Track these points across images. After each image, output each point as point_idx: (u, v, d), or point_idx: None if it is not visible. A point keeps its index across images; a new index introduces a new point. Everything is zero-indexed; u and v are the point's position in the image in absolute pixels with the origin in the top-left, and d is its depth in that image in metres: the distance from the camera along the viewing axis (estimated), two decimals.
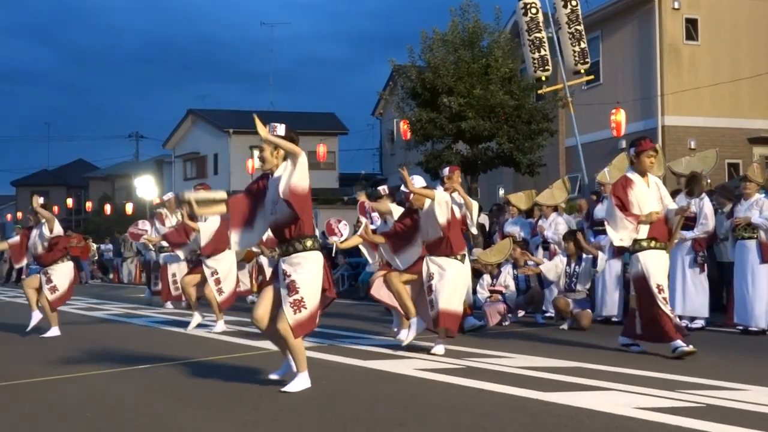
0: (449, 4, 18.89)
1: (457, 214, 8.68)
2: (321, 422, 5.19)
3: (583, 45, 8.99)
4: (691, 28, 21.33)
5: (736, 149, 20.80)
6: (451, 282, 8.17)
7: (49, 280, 10.47)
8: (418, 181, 8.51)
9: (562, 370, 6.80)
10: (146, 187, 35.33)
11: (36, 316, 10.63)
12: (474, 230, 9.56)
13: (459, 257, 8.34)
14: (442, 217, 8.20)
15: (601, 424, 4.89)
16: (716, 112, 21.06)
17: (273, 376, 6.23)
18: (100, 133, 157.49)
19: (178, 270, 13.64)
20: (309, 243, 6.05)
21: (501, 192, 25.17)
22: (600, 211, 11.17)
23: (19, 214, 51.01)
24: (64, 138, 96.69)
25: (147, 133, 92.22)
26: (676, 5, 20.98)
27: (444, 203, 8.27)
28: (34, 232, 10.65)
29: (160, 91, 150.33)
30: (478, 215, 9.62)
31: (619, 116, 18.70)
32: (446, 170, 9.28)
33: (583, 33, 8.90)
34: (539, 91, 18.02)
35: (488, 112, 17.48)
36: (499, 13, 19.02)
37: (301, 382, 6.07)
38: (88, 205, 45.29)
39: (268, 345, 8.48)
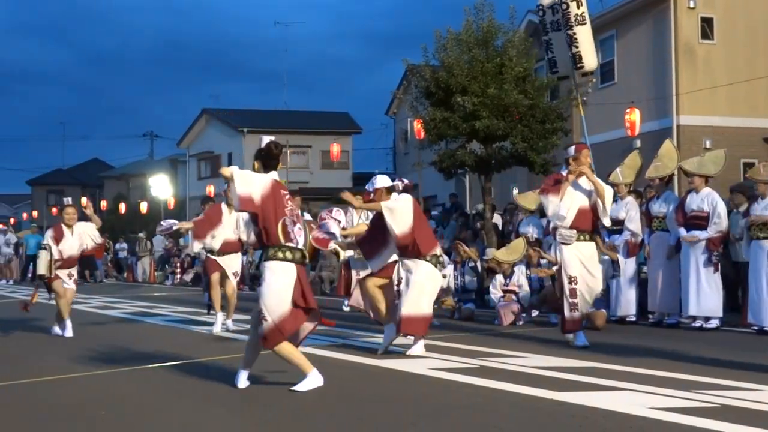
0: (463, 3, 18.79)
1: (585, 203, 8.42)
2: (334, 421, 5.20)
3: (575, 50, 8.98)
4: (707, 27, 21.20)
5: (753, 149, 20.67)
6: (417, 285, 7.85)
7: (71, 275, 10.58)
8: (382, 181, 8.06)
9: (576, 370, 6.79)
10: (161, 186, 35.45)
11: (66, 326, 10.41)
12: (606, 221, 8.70)
13: (429, 258, 7.92)
14: (397, 227, 7.69)
15: (616, 423, 4.88)
16: (731, 111, 20.94)
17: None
18: (114, 133, 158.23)
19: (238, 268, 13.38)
20: (270, 252, 5.95)
21: (515, 191, 25.12)
22: (614, 210, 11.14)
23: (35, 213, 51.31)
24: (79, 137, 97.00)
25: (161, 132, 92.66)
26: (692, 4, 20.86)
27: (395, 210, 7.71)
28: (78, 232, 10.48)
29: (175, 91, 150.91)
30: (612, 202, 8.77)
31: (634, 116, 18.61)
32: (571, 150, 8.63)
33: (576, 37, 8.88)
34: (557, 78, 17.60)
35: (502, 112, 17.41)
36: (513, 13, 18.95)
37: (308, 383, 6.02)
38: (103, 204, 45.44)
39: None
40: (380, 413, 5.43)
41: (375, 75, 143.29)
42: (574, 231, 8.38)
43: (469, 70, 17.55)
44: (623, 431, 4.74)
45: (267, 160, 6.17)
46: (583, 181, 8.46)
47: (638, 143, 20.56)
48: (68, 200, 11.12)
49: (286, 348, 5.98)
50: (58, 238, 10.29)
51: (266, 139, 6.25)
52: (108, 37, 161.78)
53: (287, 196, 6.09)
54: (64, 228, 10.38)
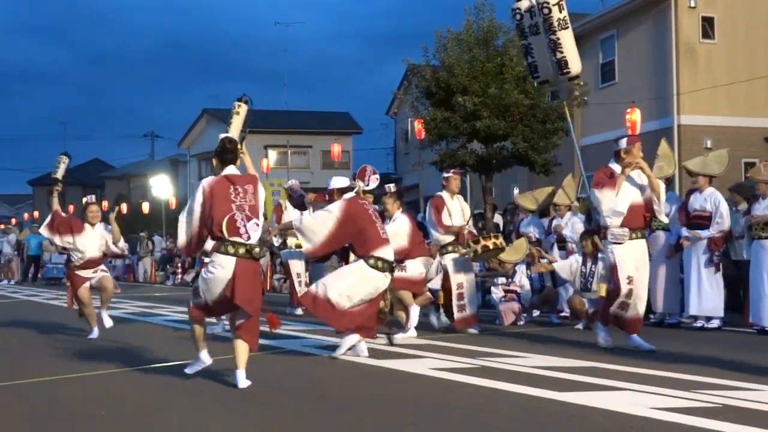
0: (463, 3, 18.81)
1: (637, 198, 8.07)
2: (334, 421, 5.20)
3: (559, 55, 8.93)
4: (708, 26, 21.20)
5: (753, 148, 20.66)
6: (337, 273, 7.93)
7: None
8: (335, 182, 8.11)
9: (577, 370, 6.78)
10: (161, 186, 35.44)
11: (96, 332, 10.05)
12: (663, 218, 8.60)
13: (364, 259, 7.69)
14: (305, 246, 7.81)
15: (616, 424, 4.87)
16: (732, 111, 20.93)
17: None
18: (115, 133, 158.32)
19: (302, 268, 13.03)
20: (215, 245, 6.23)
21: (516, 191, 25.13)
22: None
23: (36, 213, 51.30)
24: (80, 137, 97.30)
25: (162, 132, 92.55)
26: (692, 4, 20.87)
27: (301, 229, 7.72)
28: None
29: (175, 91, 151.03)
30: (665, 196, 8.51)
31: (634, 115, 18.61)
32: (623, 142, 8.23)
33: (560, 42, 8.85)
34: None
35: (503, 112, 17.44)
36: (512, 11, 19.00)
37: (196, 365, 6.58)
38: (104, 204, 45.43)
39: (282, 344, 8.50)
40: (380, 413, 5.42)
41: (375, 75, 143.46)
42: (627, 229, 8.00)
43: (469, 70, 17.57)
44: (624, 431, 4.74)
45: (222, 155, 6.48)
46: (634, 175, 8.07)
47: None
48: (91, 198, 10.78)
49: (195, 328, 6.50)
50: (75, 231, 9.92)
51: (221, 135, 6.70)
52: (109, 37, 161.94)
53: (238, 191, 6.24)
54: (86, 225, 10.08)
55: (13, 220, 43.69)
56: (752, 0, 21.60)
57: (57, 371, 7.26)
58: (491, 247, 9.76)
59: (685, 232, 10.30)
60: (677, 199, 11.10)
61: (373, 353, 8.02)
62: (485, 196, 18.20)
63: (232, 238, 6.11)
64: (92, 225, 10.13)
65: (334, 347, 8.42)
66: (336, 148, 32.29)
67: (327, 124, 42.38)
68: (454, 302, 9.92)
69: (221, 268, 6.11)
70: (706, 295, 10.09)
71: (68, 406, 5.88)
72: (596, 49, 23.51)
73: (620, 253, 8.02)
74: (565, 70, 9.75)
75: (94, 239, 10.08)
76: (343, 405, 5.69)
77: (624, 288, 7.98)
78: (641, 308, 8.19)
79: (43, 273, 27.32)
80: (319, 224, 7.65)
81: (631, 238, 8.03)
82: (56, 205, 10.43)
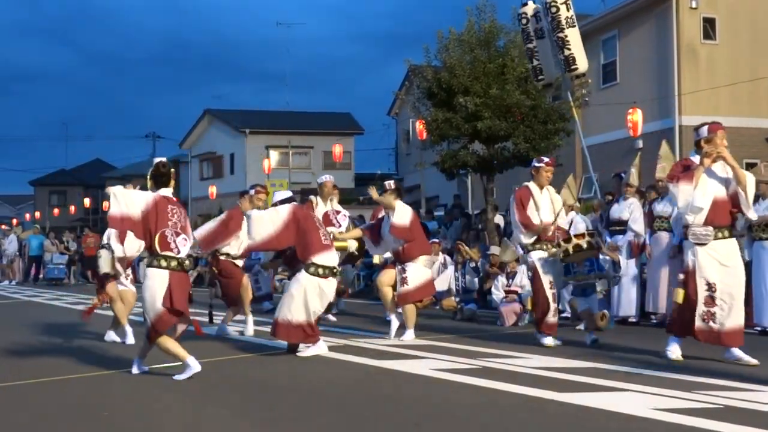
0: (465, 3, 18.78)
1: (721, 193, 7.16)
2: (336, 421, 5.20)
3: (567, 52, 8.90)
4: (709, 27, 21.19)
5: (755, 149, 20.64)
6: (287, 295, 8.03)
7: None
8: (280, 195, 8.41)
9: (578, 371, 6.78)
10: None
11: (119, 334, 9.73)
12: (752, 214, 7.35)
13: (304, 267, 7.96)
14: (251, 237, 8.00)
15: (617, 424, 4.88)
16: (734, 111, 20.90)
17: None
18: (117, 133, 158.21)
19: None
20: (149, 260, 6.79)
21: None
22: (617, 211, 11.14)
23: (38, 214, 51.34)
24: (82, 138, 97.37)
25: (164, 133, 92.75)
26: (694, 4, 20.85)
27: (250, 223, 7.94)
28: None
29: (177, 91, 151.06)
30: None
31: (636, 116, 18.59)
32: (704, 130, 7.30)
33: (568, 39, 8.85)
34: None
35: (504, 112, 17.41)
36: (515, 13, 18.98)
37: (187, 371, 6.73)
38: (105, 204, 45.32)
39: (282, 344, 8.51)
40: (382, 414, 5.43)
41: (377, 76, 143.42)
42: (711, 228, 7.10)
43: (471, 71, 17.54)
44: None
45: (157, 178, 7.02)
46: (718, 168, 7.20)
47: (640, 144, 20.55)
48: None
49: (163, 341, 6.76)
50: (121, 240, 9.19)
51: (156, 160, 7.15)
52: (111, 38, 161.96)
53: (174, 210, 6.87)
54: None
55: (15, 221, 43.68)
56: (754, 0, 21.60)
57: (59, 372, 7.26)
58: (585, 246, 8.46)
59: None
60: None
61: (374, 354, 8.03)
62: (486, 197, 18.19)
63: (164, 253, 6.71)
64: None
65: (334, 348, 8.45)
66: (337, 149, 32.32)
67: (328, 125, 42.40)
68: (551, 306, 8.66)
69: (158, 280, 6.69)
70: None
71: (71, 406, 5.88)
72: (598, 49, 23.50)
73: (701, 256, 7.14)
74: (572, 67, 9.75)
75: (133, 240, 8.98)
76: (343, 405, 5.69)
77: (702, 295, 7.08)
78: (737, 318, 7.21)
79: (45, 273, 27.31)
80: (266, 222, 7.91)
81: (716, 238, 7.14)
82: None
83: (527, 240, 8.80)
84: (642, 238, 10.98)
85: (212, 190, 38.47)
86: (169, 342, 6.78)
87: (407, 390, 6.22)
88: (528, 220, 8.73)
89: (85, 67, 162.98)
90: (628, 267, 10.87)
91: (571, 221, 12.26)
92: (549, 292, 8.63)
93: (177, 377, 6.69)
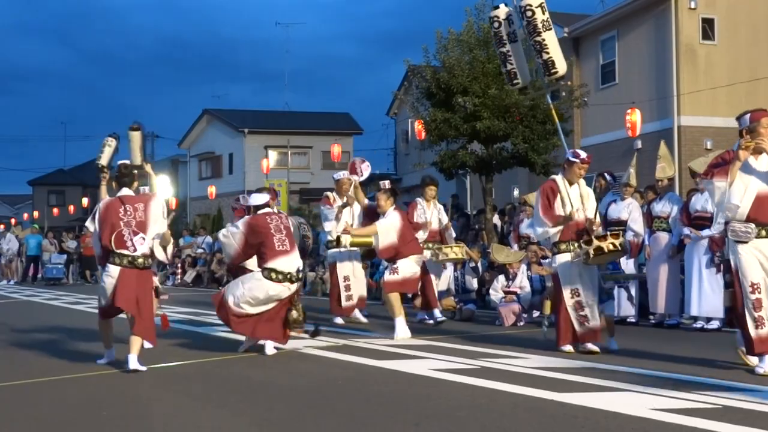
0: (464, 3, 18.85)
1: (765, 188, 6.63)
2: (335, 422, 5.20)
3: (546, 56, 8.89)
4: (708, 27, 21.21)
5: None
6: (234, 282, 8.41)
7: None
8: (255, 199, 8.57)
9: (577, 371, 6.78)
10: (162, 186, 35.46)
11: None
12: None
13: (261, 270, 8.10)
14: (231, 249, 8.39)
15: (617, 424, 4.88)
16: (733, 112, 20.72)
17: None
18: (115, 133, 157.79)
19: (352, 271, 11.48)
20: (107, 258, 7.33)
21: (516, 192, 25.11)
22: (616, 211, 11.14)
23: (36, 213, 51.30)
24: (80, 137, 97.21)
25: (162, 132, 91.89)
26: (693, 5, 20.87)
27: (227, 240, 8.35)
28: None
29: (176, 91, 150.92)
30: None
31: (635, 116, 18.61)
32: (746, 118, 6.79)
33: (545, 42, 8.83)
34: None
35: (503, 112, 17.42)
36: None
37: (106, 357, 7.65)
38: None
39: (281, 345, 8.51)
40: (382, 414, 5.43)
41: (376, 76, 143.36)
42: (752, 225, 6.63)
43: (470, 71, 17.54)
44: None
45: (120, 179, 7.67)
46: (764, 161, 6.67)
47: (639, 144, 20.58)
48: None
49: (102, 324, 7.63)
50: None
51: (118, 162, 7.88)
52: (109, 37, 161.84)
53: (127, 209, 7.29)
54: None
55: (13, 220, 43.65)
56: (752, 1, 21.61)
57: (58, 372, 7.27)
58: (606, 250, 7.75)
59: (686, 230, 10.31)
60: (678, 200, 11.11)
61: (374, 354, 8.03)
62: (485, 197, 18.19)
63: (119, 251, 7.21)
64: None
65: (333, 348, 8.45)
66: (336, 149, 32.30)
67: (327, 125, 42.41)
68: (573, 315, 7.98)
69: (110, 277, 7.28)
70: (707, 296, 10.09)
71: (69, 406, 5.88)
72: (596, 50, 23.53)
73: (744, 255, 6.67)
74: (552, 71, 9.66)
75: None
76: (343, 405, 5.69)
77: (749, 298, 6.60)
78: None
79: (43, 273, 27.30)
80: (230, 240, 8.33)
81: (759, 236, 6.65)
82: (104, 194, 8.38)
83: (552, 234, 8.09)
84: (641, 238, 10.99)
85: (211, 190, 38.47)
86: (105, 327, 7.64)
87: (406, 390, 6.22)
88: (549, 212, 8.07)
89: (84, 67, 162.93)
90: (627, 267, 10.87)
91: None
92: (570, 302, 7.95)
93: (99, 361, 7.60)
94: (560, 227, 8.04)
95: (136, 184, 7.67)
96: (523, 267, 11.52)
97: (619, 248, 7.89)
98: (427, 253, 10.79)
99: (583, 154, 8.36)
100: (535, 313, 11.73)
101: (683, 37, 20.86)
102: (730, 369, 6.84)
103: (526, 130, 17.59)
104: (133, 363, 7.11)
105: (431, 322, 10.93)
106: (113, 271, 7.24)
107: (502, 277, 11.50)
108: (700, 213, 10.28)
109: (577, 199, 8.20)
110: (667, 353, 7.82)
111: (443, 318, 10.98)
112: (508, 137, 17.80)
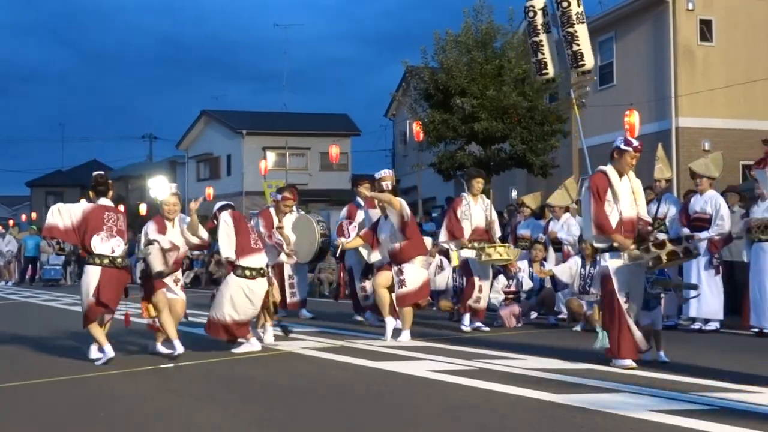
0: (462, 5, 18.90)
1: None
2: (334, 423, 5.21)
3: (576, 48, 8.87)
4: (706, 29, 21.24)
5: (751, 151, 20.64)
6: (218, 294, 8.63)
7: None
8: (221, 203, 8.91)
9: (575, 372, 6.79)
10: (159, 187, 35.43)
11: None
12: None
13: (233, 270, 8.49)
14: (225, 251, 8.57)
15: (615, 425, 4.89)
16: (731, 113, 20.96)
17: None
18: (113, 134, 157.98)
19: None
20: (87, 258, 7.77)
21: (514, 193, 25.12)
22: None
23: (34, 215, 51.27)
24: (79, 139, 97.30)
25: (160, 133, 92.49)
26: (690, 6, 20.90)
27: (224, 237, 8.50)
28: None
29: (174, 92, 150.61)
30: None
31: (633, 118, 18.63)
32: None
33: (577, 35, 8.82)
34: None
35: (501, 114, 17.47)
36: (512, 14, 19.03)
37: (96, 353, 7.90)
38: None
39: (282, 345, 8.52)
40: (380, 415, 5.43)
41: (374, 77, 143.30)
42: None
43: (468, 72, 17.59)
44: None
45: (96, 188, 8.03)
46: None
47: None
48: (173, 186, 8.90)
49: (92, 328, 7.75)
50: (161, 233, 8.35)
51: (94, 173, 8.24)
52: (108, 38, 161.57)
53: (110, 216, 7.78)
54: (166, 221, 8.50)
55: (11, 222, 43.61)
56: (750, 2, 21.64)
57: (57, 372, 7.27)
58: (681, 254, 7.04)
59: (685, 231, 10.31)
60: (675, 201, 11.12)
61: (373, 355, 8.04)
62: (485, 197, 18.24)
63: (99, 252, 7.61)
64: (170, 221, 8.56)
65: (332, 349, 8.46)
66: (334, 150, 32.32)
67: (325, 126, 42.40)
68: (627, 322, 7.06)
69: (92, 276, 7.61)
70: (706, 298, 10.09)
71: (68, 407, 5.88)
72: (594, 51, 23.52)
73: None
74: (580, 63, 9.67)
75: (176, 238, 8.49)
76: (342, 406, 5.70)
77: None
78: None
79: (41, 274, 27.28)
80: (227, 237, 8.47)
81: None
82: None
83: (599, 244, 7.26)
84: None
85: (209, 191, 38.40)
86: (96, 329, 7.73)
87: (404, 391, 6.23)
88: (605, 220, 7.04)
89: (82, 68, 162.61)
90: None
91: (564, 223, 12.30)
92: (625, 307, 7.03)
93: (98, 363, 7.69)
94: (608, 242, 7.12)
95: (111, 193, 8.12)
96: (525, 265, 11.47)
97: (693, 252, 7.21)
98: (471, 253, 10.37)
99: (635, 142, 7.29)
100: (533, 314, 11.75)
101: (681, 39, 20.89)
102: (728, 370, 6.85)
103: (524, 132, 17.64)
104: (94, 353, 7.93)
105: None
106: (95, 270, 7.64)
107: (502, 278, 11.47)
108: (699, 214, 10.28)
109: (629, 194, 7.23)
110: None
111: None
112: (506, 138, 17.85)
